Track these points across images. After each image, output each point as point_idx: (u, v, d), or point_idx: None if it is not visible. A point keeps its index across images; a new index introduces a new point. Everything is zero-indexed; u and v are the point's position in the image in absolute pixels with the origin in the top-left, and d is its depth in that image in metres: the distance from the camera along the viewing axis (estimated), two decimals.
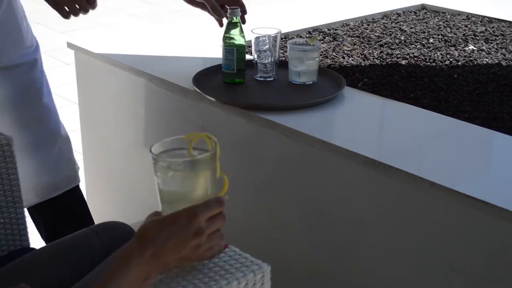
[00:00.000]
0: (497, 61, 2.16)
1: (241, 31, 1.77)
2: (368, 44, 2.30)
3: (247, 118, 1.71)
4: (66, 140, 1.93)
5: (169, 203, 1.06)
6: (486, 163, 1.56)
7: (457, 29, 2.50)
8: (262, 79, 1.85)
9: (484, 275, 1.38)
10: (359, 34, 2.41)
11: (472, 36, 2.41)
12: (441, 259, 1.43)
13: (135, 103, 2.06)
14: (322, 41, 2.32)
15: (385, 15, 2.68)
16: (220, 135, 1.86)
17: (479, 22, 2.61)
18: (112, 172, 2.28)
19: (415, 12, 2.75)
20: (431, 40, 2.36)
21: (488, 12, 2.70)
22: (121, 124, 2.16)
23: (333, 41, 2.33)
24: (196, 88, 1.79)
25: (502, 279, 1.35)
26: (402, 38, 2.38)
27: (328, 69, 1.97)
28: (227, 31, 1.76)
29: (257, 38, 1.80)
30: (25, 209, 1.80)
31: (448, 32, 2.45)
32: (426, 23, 2.58)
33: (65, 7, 1.70)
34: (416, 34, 2.42)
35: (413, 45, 2.30)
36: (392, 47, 2.28)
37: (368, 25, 2.54)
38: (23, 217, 1.54)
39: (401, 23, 2.58)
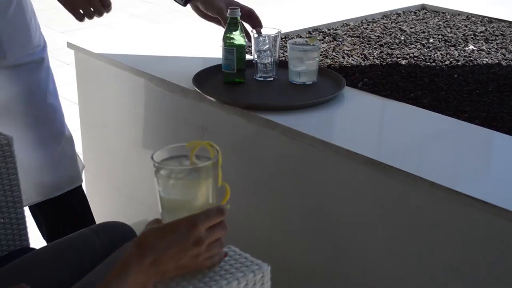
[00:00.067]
0: (497, 61, 2.16)
1: (241, 31, 1.77)
2: (368, 44, 2.30)
3: (247, 118, 1.71)
4: (70, 140, 1.93)
5: (169, 210, 1.06)
6: (486, 163, 1.56)
7: (457, 29, 2.50)
8: (262, 79, 1.85)
9: (484, 275, 1.38)
10: (359, 34, 2.41)
11: (472, 36, 2.41)
12: (441, 259, 1.42)
13: (135, 103, 2.06)
14: (322, 41, 2.32)
15: (385, 15, 2.68)
16: (220, 135, 1.87)
17: (479, 22, 2.61)
18: (112, 172, 2.28)
19: (415, 12, 2.75)
20: (431, 40, 2.36)
21: (488, 12, 2.70)
22: (121, 124, 2.16)
23: (333, 41, 2.33)
24: (196, 88, 1.79)
25: (502, 279, 1.35)
26: (402, 38, 2.37)
27: (328, 69, 1.97)
28: (227, 31, 1.76)
29: (257, 38, 1.80)
30: (27, 209, 1.81)
31: (448, 32, 2.45)
32: (426, 23, 2.58)
33: (80, 10, 1.71)
34: (416, 34, 2.42)
35: (413, 45, 2.30)
36: (392, 47, 2.28)
37: (368, 25, 2.54)
38: (23, 217, 1.54)
39: (401, 23, 2.58)
